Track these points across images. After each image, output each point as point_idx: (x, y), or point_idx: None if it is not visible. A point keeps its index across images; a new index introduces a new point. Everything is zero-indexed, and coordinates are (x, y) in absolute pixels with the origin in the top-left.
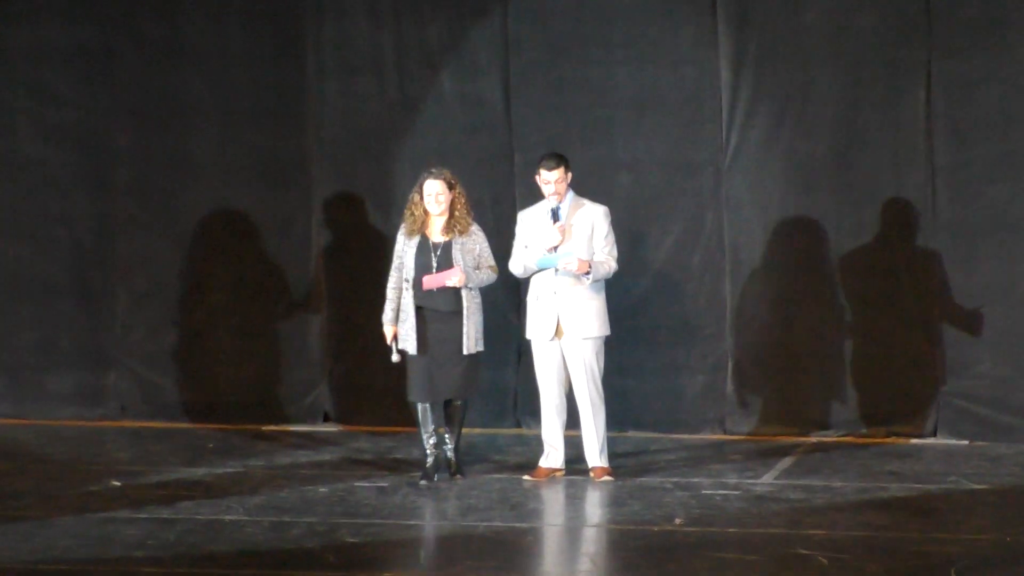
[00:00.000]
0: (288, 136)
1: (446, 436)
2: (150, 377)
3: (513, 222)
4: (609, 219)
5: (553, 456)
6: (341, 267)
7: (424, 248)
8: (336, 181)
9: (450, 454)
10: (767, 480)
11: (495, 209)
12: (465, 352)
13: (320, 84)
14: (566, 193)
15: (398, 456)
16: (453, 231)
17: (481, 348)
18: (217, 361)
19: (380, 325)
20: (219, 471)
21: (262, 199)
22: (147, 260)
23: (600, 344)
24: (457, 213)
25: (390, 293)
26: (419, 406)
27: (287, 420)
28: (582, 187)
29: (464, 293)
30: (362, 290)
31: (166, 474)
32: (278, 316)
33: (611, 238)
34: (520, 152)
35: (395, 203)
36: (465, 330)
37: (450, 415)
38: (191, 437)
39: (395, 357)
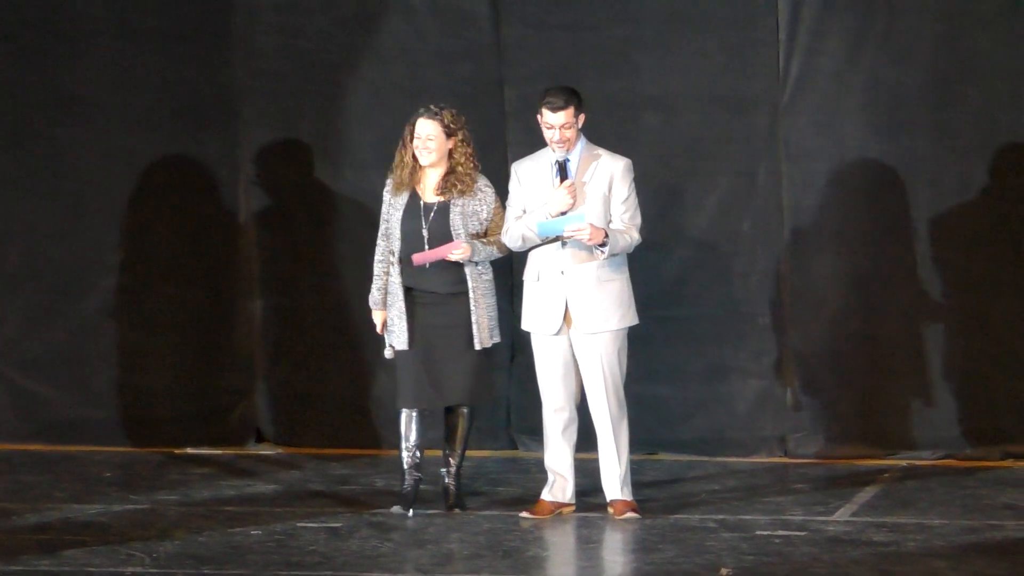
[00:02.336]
0: (208, 66)
1: (448, 459)
2: (26, 385)
3: (503, 178)
4: (632, 176)
5: (559, 486)
6: (279, 238)
7: (413, 210)
8: (272, 125)
9: (448, 480)
10: (843, 517)
11: (481, 160)
12: (478, 346)
13: None
14: (577, 141)
15: (355, 487)
16: (452, 190)
17: (497, 339)
18: (115, 364)
19: (331, 315)
20: (118, 508)
21: (174, 150)
22: (22, 231)
23: (622, 339)
24: (459, 168)
25: (377, 268)
26: (403, 413)
27: (208, 441)
28: (596, 132)
29: (468, 270)
30: (307, 269)
31: (48, 513)
32: (196, 304)
33: (633, 200)
34: (513, 85)
35: (348, 154)
36: (474, 318)
37: (450, 427)
38: (81, 464)
39: (388, 352)
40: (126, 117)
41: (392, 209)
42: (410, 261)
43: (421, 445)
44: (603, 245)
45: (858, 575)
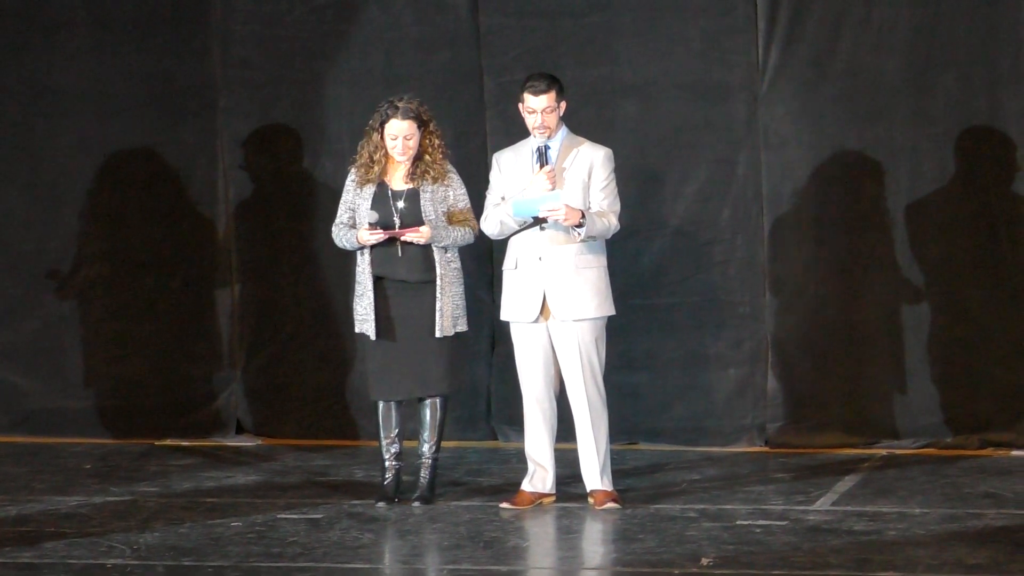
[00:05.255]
0: (186, 56)
1: (423, 448)
2: (4, 376)
3: (482, 167)
4: (612, 165)
5: (539, 476)
6: (257, 227)
7: (382, 198)
8: (249, 114)
9: (421, 471)
10: (823, 506)
11: (459, 150)
12: (439, 334)
13: None
14: (558, 128)
15: (335, 478)
16: (424, 177)
17: (463, 328)
18: (94, 355)
19: (310, 305)
20: (98, 500)
21: (152, 139)
22: None
23: (600, 328)
24: (428, 157)
25: (338, 228)
26: (379, 405)
27: (187, 432)
28: (574, 120)
29: (438, 257)
30: (285, 258)
31: (27, 505)
32: (174, 294)
33: (612, 188)
34: (491, 74)
35: (326, 143)
36: (439, 306)
37: (422, 418)
38: (61, 455)
39: (370, 224)
40: (103, 107)
41: (360, 199)
42: (372, 226)
43: (400, 436)
44: (580, 226)
45: (838, 564)
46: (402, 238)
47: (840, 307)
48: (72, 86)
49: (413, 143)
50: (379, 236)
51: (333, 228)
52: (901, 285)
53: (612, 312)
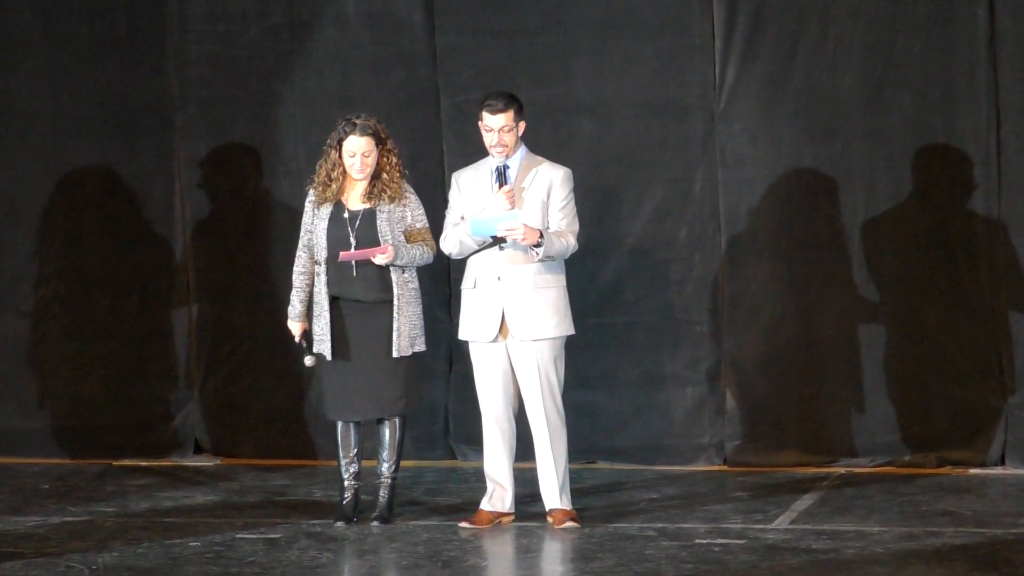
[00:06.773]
0: (142, 75)
1: (382, 467)
2: None
3: (439, 187)
4: (571, 185)
5: (498, 496)
6: (214, 247)
7: (339, 218)
8: (205, 133)
9: (380, 491)
10: (781, 525)
11: (416, 169)
12: (396, 354)
13: (182, 4)
14: (517, 147)
15: (293, 497)
16: (381, 196)
17: (421, 348)
18: (50, 374)
19: (267, 324)
20: (55, 520)
21: (108, 159)
22: None
23: (559, 348)
24: (385, 174)
25: (297, 280)
26: (338, 425)
27: (145, 451)
28: (531, 139)
29: (395, 277)
30: (242, 277)
31: None
32: (131, 313)
33: (571, 208)
34: (448, 93)
35: (282, 162)
36: (396, 326)
37: (381, 437)
38: (17, 475)
39: (308, 361)
40: (59, 127)
41: (317, 219)
42: (335, 258)
43: (359, 455)
44: (538, 245)
45: None
46: (371, 259)
47: (797, 325)
48: (28, 105)
49: (371, 160)
50: (348, 258)
51: (296, 258)
52: (858, 303)
53: (571, 331)
